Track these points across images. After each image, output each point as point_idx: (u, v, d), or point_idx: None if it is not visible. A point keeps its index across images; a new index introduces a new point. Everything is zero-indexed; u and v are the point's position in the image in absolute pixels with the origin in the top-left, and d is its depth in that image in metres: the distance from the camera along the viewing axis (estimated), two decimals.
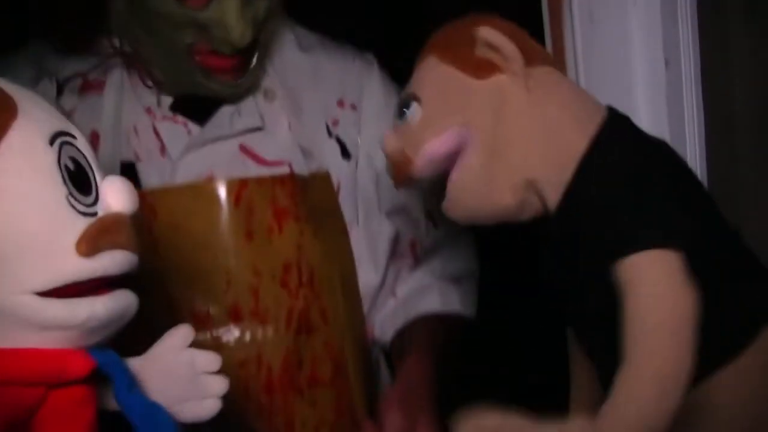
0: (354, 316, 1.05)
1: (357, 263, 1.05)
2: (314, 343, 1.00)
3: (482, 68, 0.70)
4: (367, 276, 1.06)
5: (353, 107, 1.07)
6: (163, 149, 0.99)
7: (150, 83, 1.00)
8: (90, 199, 0.59)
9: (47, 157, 0.57)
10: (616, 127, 0.71)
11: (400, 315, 1.09)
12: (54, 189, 0.57)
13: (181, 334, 0.67)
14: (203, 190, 0.97)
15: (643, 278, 0.62)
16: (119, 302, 0.59)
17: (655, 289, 0.61)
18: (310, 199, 1.01)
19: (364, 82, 1.08)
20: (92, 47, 1.03)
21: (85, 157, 0.61)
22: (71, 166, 0.59)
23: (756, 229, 0.92)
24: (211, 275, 0.96)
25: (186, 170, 0.99)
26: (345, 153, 1.06)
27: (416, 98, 0.72)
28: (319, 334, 1.00)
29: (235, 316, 0.97)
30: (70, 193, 0.58)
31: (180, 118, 1.01)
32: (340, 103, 1.07)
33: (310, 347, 0.99)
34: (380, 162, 1.05)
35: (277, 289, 0.98)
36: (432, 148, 0.71)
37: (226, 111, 1.01)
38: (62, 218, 0.57)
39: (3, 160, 0.55)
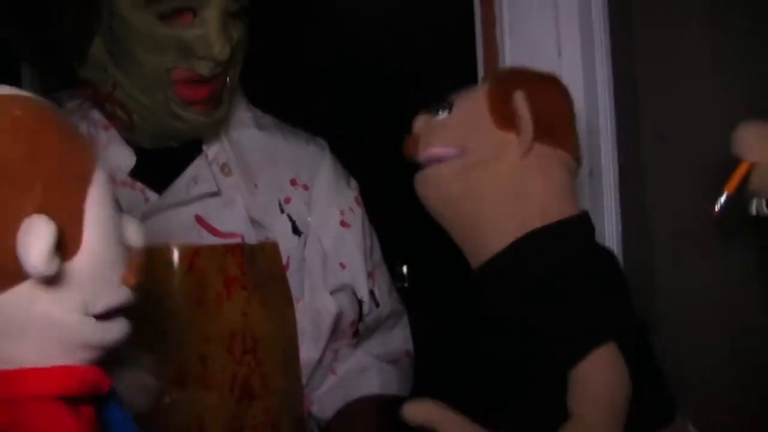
0: (293, 386, 1.05)
1: (300, 337, 1.06)
2: (255, 411, 1.00)
3: (505, 121, 0.79)
4: (308, 351, 1.07)
5: (305, 187, 1.11)
6: None
7: (125, 123, 1.02)
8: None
9: (112, 191, 0.62)
10: (573, 228, 0.79)
11: (339, 395, 1.11)
12: (119, 221, 0.61)
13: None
14: (157, 254, 0.98)
15: (590, 378, 0.71)
16: (125, 327, 0.63)
17: (601, 385, 0.71)
18: (258, 267, 1.03)
19: (317, 164, 1.13)
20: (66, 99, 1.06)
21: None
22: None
23: (667, 320, 1.01)
24: (159, 341, 0.96)
25: None
26: (295, 230, 1.09)
27: (451, 108, 0.82)
28: (261, 401, 1.01)
29: (179, 381, 0.97)
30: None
31: (138, 185, 1.03)
32: (293, 182, 1.10)
33: (251, 414, 1.00)
34: (328, 241, 1.10)
35: (224, 355, 0.99)
36: (433, 151, 0.82)
37: (183, 180, 1.04)
38: (121, 249, 0.61)
39: (96, 191, 0.59)
